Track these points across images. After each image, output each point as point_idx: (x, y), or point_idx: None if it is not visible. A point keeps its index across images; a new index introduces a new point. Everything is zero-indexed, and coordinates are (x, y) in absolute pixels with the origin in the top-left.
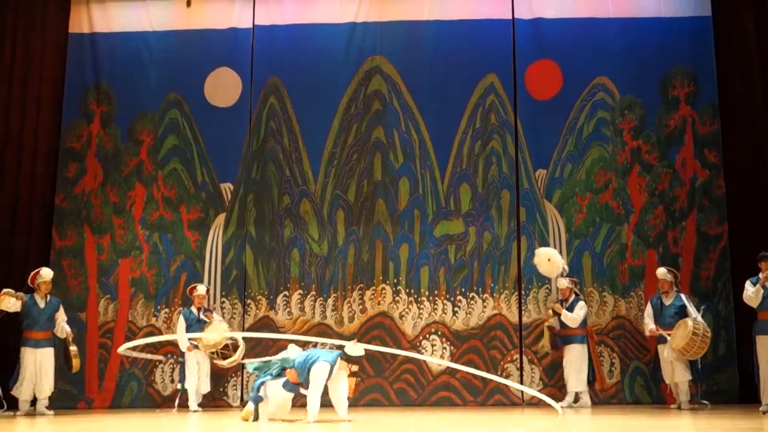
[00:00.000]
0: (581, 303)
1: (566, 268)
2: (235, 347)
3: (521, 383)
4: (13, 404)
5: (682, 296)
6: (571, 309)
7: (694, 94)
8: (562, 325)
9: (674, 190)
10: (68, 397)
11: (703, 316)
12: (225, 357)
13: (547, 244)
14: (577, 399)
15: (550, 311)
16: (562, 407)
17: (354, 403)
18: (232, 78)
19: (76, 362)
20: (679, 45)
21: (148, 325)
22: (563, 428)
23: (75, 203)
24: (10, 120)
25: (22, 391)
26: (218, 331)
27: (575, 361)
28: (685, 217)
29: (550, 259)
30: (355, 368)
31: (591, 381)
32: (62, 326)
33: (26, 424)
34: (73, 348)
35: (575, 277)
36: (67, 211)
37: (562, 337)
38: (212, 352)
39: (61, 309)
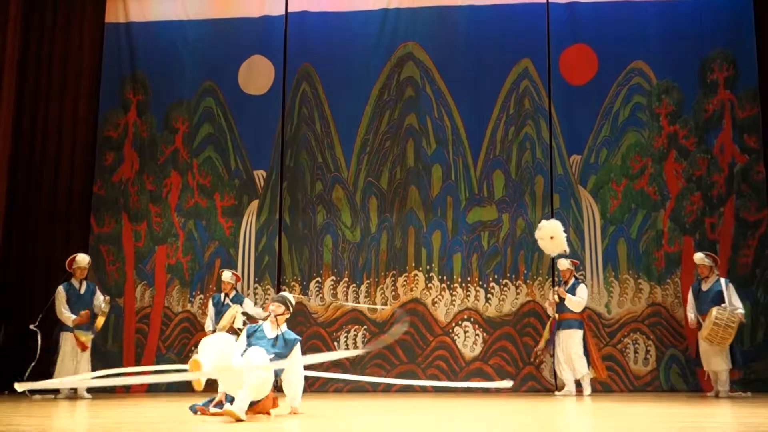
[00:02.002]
0: (583, 286)
1: (567, 249)
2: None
3: (554, 370)
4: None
5: (722, 281)
6: (571, 292)
7: (733, 77)
8: (561, 309)
9: (712, 175)
10: (106, 381)
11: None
12: None
13: (581, 231)
14: (560, 388)
15: (555, 297)
16: (557, 394)
17: (386, 388)
18: (266, 65)
19: (100, 320)
20: (718, 27)
21: (183, 311)
22: (596, 416)
23: (112, 191)
24: (49, 110)
25: (62, 376)
26: (229, 314)
27: (576, 346)
28: (723, 203)
29: (553, 237)
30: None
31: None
32: (98, 296)
33: (65, 407)
34: (105, 308)
35: (610, 263)
36: (104, 199)
37: (559, 323)
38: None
39: (98, 293)
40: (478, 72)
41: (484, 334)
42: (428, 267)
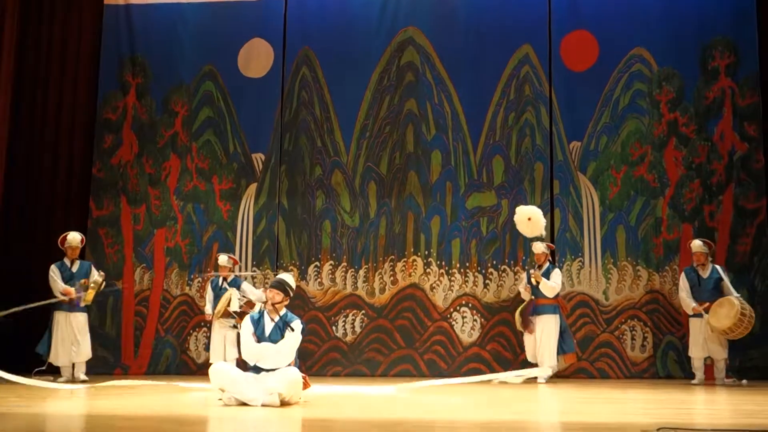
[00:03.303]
0: (557, 270)
1: (544, 232)
2: (242, 315)
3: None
4: (53, 370)
5: (718, 268)
6: (545, 277)
7: (734, 65)
8: (535, 294)
9: (712, 163)
10: (105, 363)
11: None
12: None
13: (580, 218)
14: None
15: (533, 280)
16: (542, 382)
17: (384, 373)
18: (265, 49)
19: (90, 293)
20: (720, 14)
21: (182, 294)
22: (588, 404)
23: (111, 174)
24: (48, 93)
25: (59, 357)
26: (224, 299)
27: (551, 332)
28: (722, 191)
29: (530, 218)
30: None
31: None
32: (93, 272)
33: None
34: (98, 279)
35: (609, 250)
36: (103, 182)
37: (534, 308)
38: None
39: (93, 271)
40: (479, 57)
41: (482, 320)
42: (427, 252)
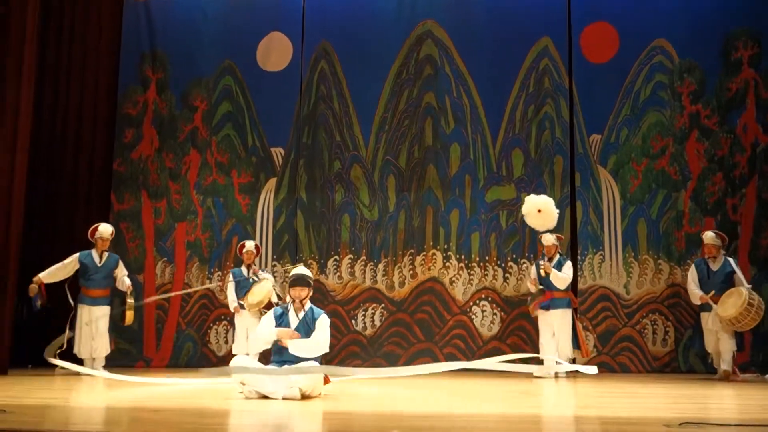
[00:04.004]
0: (568, 262)
1: (554, 224)
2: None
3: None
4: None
5: (731, 261)
6: (557, 269)
7: (757, 56)
8: (546, 287)
9: (734, 156)
10: (127, 356)
11: None
12: None
13: (601, 211)
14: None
15: (542, 272)
16: (543, 376)
17: (404, 366)
18: (284, 43)
19: (129, 314)
20: (742, 4)
21: (202, 287)
22: (609, 398)
23: (132, 168)
24: (70, 87)
25: (81, 350)
26: (262, 290)
27: (563, 326)
28: (745, 184)
29: (541, 210)
30: None
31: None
32: (122, 280)
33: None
34: (130, 301)
35: (630, 243)
36: (124, 176)
37: (546, 302)
38: (258, 311)
39: (121, 265)
40: (498, 50)
41: (502, 314)
42: (446, 246)
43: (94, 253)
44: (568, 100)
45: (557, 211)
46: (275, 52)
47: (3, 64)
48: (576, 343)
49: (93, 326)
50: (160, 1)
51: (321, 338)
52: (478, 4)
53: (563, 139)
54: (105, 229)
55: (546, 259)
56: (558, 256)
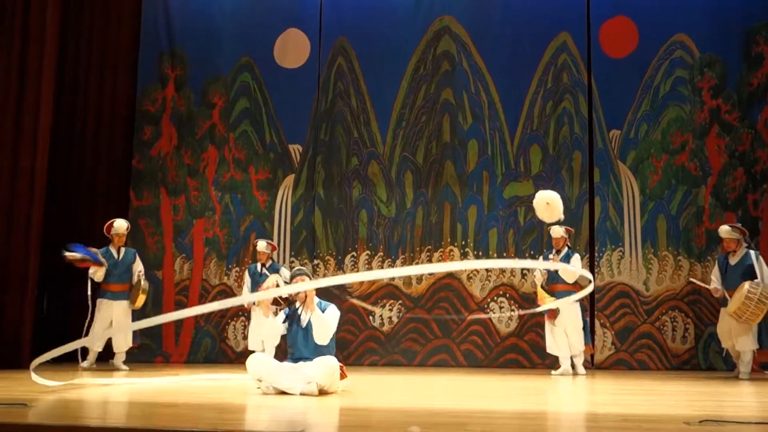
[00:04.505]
0: (576, 255)
1: (562, 216)
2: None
3: (593, 347)
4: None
5: (752, 254)
6: (564, 262)
7: None
8: (555, 280)
9: (755, 151)
10: (147, 351)
11: None
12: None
13: (620, 207)
14: (557, 367)
15: (540, 270)
16: (580, 374)
17: (422, 363)
18: (301, 39)
19: (141, 298)
20: None
21: (220, 284)
22: (628, 395)
23: (151, 165)
24: (89, 86)
25: (95, 342)
26: (267, 282)
27: (572, 321)
28: (766, 179)
29: (549, 203)
30: None
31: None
32: (137, 274)
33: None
34: (144, 284)
35: (650, 239)
36: (143, 173)
37: (552, 295)
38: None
39: (138, 260)
40: (516, 46)
41: (520, 310)
42: (464, 242)
43: (112, 248)
44: (587, 95)
45: (562, 205)
46: (293, 48)
47: (24, 63)
48: (588, 337)
49: (112, 320)
50: (177, 0)
51: (328, 318)
52: (496, 0)
53: (582, 134)
54: (121, 225)
55: (555, 252)
56: (566, 248)
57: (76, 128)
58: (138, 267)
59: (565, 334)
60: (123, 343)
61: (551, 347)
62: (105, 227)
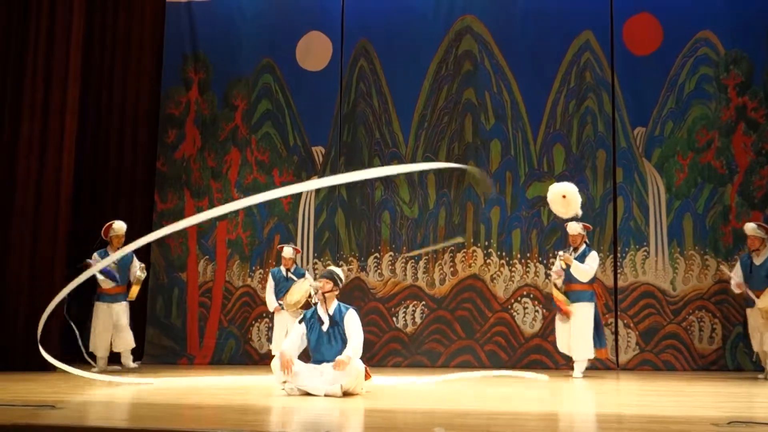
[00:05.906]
0: (594, 254)
1: (580, 212)
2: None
3: (616, 348)
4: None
5: None
6: (581, 260)
7: None
8: (569, 279)
9: None
10: (171, 353)
11: None
12: None
13: (646, 206)
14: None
15: (562, 264)
16: (575, 377)
17: (445, 364)
18: (323, 41)
19: (134, 289)
20: None
21: (243, 285)
22: (654, 396)
23: (175, 168)
24: (113, 88)
25: (97, 347)
26: (300, 289)
27: (585, 322)
28: None
29: (565, 196)
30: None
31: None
32: (135, 272)
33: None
34: (139, 275)
35: (676, 239)
36: (167, 176)
37: (567, 294)
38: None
39: (135, 260)
40: (538, 45)
41: (544, 311)
42: (487, 243)
43: (110, 251)
44: (611, 93)
45: (580, 198)
46: (314, 51)
47: (50, 67)
48: (600, 341)
49: (113, 322)
50: (200, 3)
51: (355, 341)
52: None
53: (606, 133)
54: (120, 227)
55: (571, 249)
56: (584, 246)
57: (101, 131)
58: (136, 264)
59: (568, 334)
60: (126, 343)
61: (562, 346)
62: (103, 229)
